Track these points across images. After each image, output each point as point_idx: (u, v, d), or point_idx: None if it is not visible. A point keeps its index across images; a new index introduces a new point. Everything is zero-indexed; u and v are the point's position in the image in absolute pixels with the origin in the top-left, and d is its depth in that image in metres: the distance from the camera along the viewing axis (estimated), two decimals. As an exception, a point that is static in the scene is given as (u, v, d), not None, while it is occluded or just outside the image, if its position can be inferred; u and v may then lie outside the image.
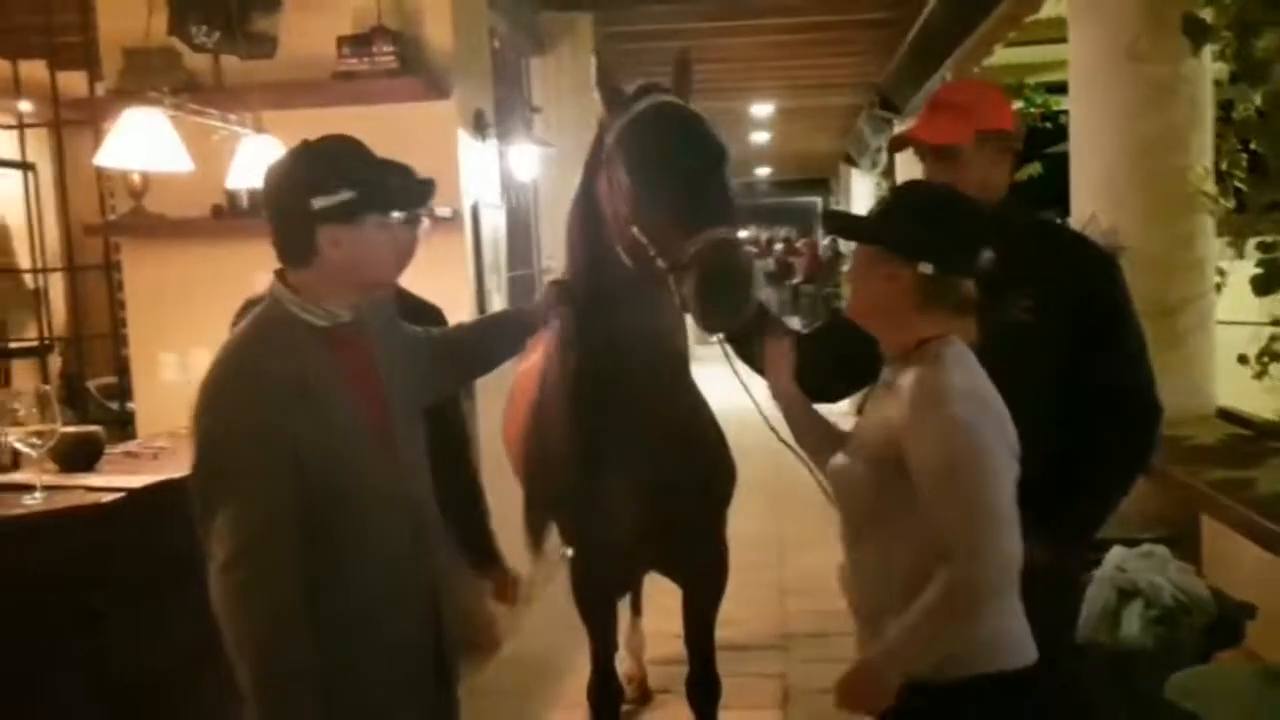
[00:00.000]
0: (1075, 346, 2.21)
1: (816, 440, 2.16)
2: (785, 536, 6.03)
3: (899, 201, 1.96)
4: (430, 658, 2.06)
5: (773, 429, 2.45)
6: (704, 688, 2.91)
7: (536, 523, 3.26)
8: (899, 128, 11.07)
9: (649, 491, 2.57)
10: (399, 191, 1.97)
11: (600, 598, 2.88)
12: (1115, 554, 3.12)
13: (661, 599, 3.38)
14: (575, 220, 2.59)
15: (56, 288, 7.10)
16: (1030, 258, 2.15)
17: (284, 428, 1.82)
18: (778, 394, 2.21)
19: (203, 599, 1.82)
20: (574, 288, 2.52)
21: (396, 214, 1.95)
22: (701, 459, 2.73)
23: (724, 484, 2.82)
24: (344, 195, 1.87)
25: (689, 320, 2.38)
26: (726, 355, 2.44)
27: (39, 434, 2.54)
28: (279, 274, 1.96)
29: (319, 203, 1.86)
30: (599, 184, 2.45)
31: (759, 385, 2.44)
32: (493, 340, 2.47)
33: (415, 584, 2.01)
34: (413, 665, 2.02)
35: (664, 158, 2.27)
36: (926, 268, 1.81)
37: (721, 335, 2.36)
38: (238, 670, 1.80)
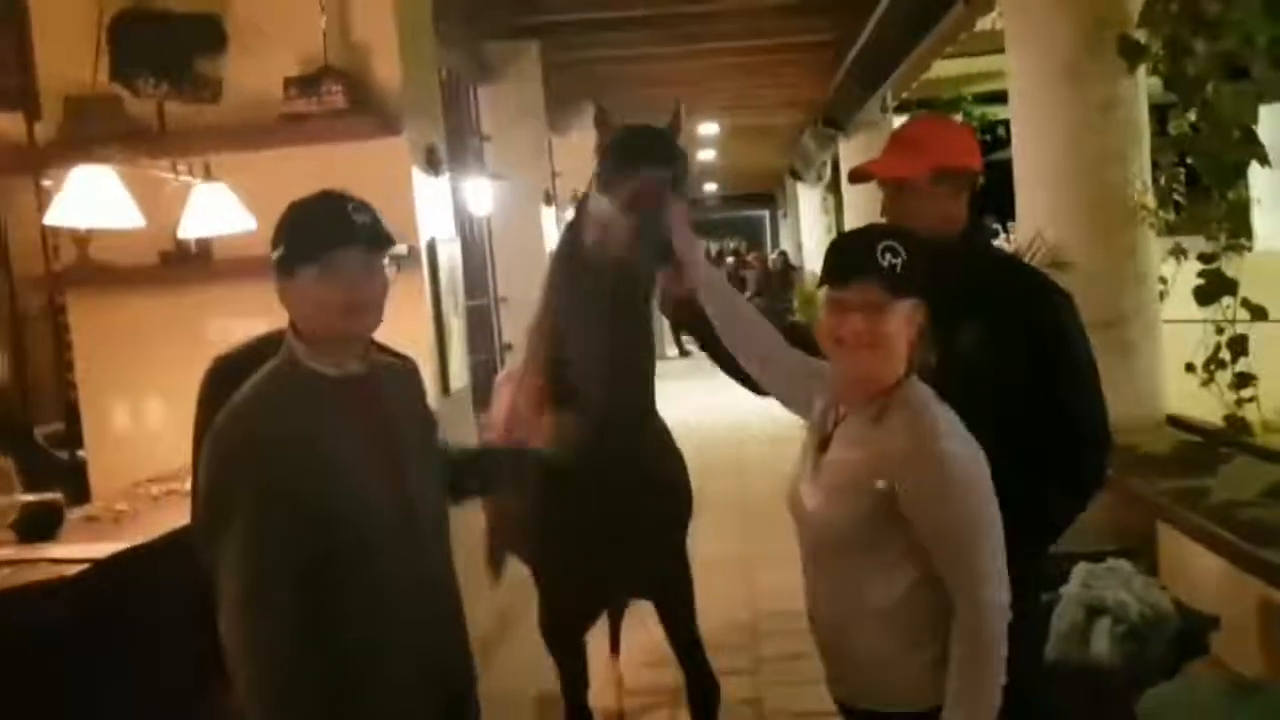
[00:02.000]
0: (1023, 377, 2.22)
1: (754, 341, 2.25)
2: (752, 556, 6.02)
3: (916, 251, 1.92)
4: (442, 693, 2.08)
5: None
6: (703, 691, 2.99)
7: (498, 552, 3.36)
8: (843, 145, 11.22)
9: (615, 519, 2.65)
10: (324, 236, 1.95)
11: (569, 630, 2.94)
12: (1080, 571, 3.17)
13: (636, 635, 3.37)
14: (559, 251, 2.79)
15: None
16: (981, 289, 2.20)
17: (286, 478, 1.87)
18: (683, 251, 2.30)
19: (172, 666, 1.81)
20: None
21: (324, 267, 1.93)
22: (667, 486, 2.87)
23: (685, 508, 2.97)
24: (279, 251, 1.94)
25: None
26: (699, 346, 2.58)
27: (-1, 509, 2.49)
28: (291, 323, 2.01)
29: (272, 257, 1.95)
30: (583, 219, 2.65)
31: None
32: (474, 478, 2.46)
33: (424, 624, 2.03)
34: (423, 701, 2.03)
35: (624, 150, 2.48)
36: (920, 315, 1.87)
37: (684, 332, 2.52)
38: (247, 710, 1.85)
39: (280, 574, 1.86)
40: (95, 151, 3.24)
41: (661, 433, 2.91)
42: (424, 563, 2.04)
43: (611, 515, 2.65)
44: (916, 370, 1.92)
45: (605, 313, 2.58)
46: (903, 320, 1.90)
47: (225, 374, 2.23)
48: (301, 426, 1.92)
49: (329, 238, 1.95)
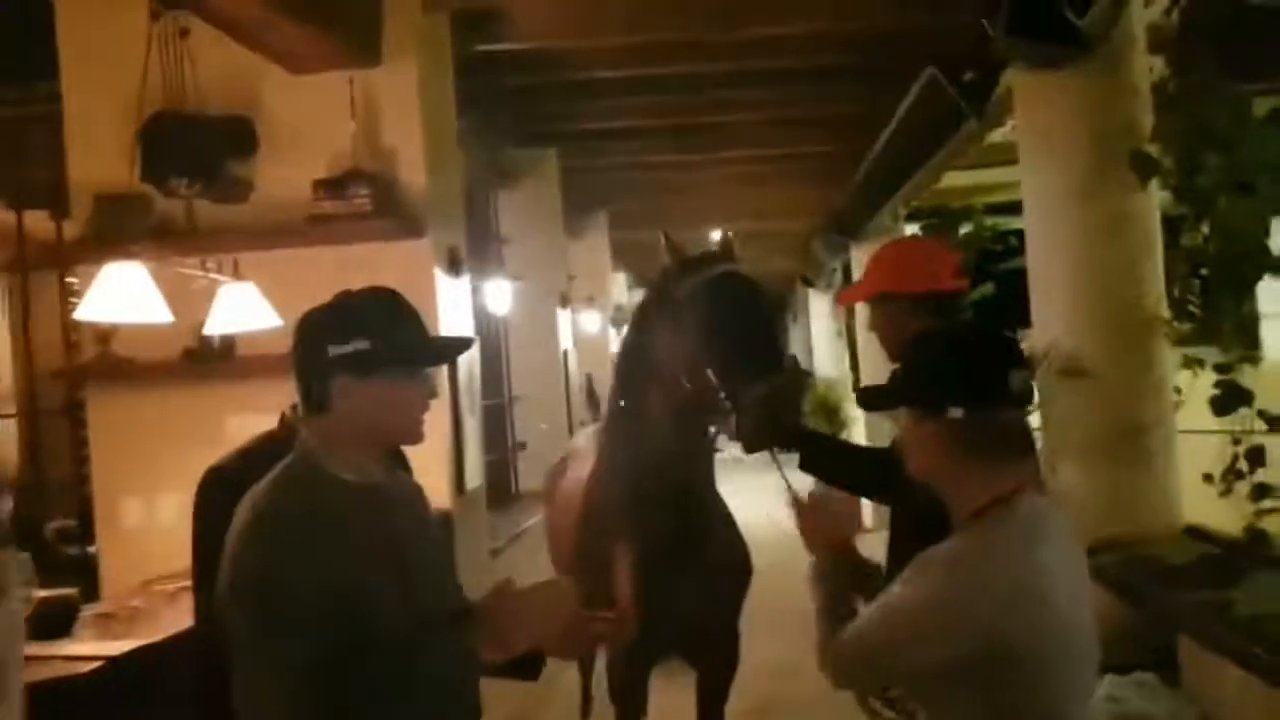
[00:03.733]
0: None
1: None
2: (784, 666, 5.83)
3: (914, 356, 1.94)
4: None
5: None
6: None
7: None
8: (854, 252, 11.34)
9: (687, 588, 3.09)
10: (416, 348, 1.97)
11: (637, 682, 3.39)
12: (1107, 683, 3.11)
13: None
14: (630, 360, 3.18)
15: (9, 430, 6.95)
16: None
17: (319, 581, 1.77)
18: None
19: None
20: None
21: (414, 370, 1.94)
22: (729, 562, 3.30)
23: (745, 580, 3.40)
24: (358, 345, 1.87)
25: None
26: (775, 460, 2.89)
27: (18, 603, 2.46)
28: (303, 423, 1.95)
29: (334, 350, 1.87)
30: (659, 333, 2.99)
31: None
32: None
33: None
34: None
35: (738, 316, 2.87)
36: (956, 412, 1.76)
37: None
38: None
39: (318, 689, 1.74)
40: (123, 248, 3.30)
41: (727, 515, 3.34)
42: (447, 670, 1.95)
43: (686, 578, 3.07)
44: (1019, 487, 1.79)
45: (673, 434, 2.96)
46: (905, 430, 1.89)
47: (222, 484, 2.21)
48: (316, 526, 1.82)
49: (431, 354, 2.05)
